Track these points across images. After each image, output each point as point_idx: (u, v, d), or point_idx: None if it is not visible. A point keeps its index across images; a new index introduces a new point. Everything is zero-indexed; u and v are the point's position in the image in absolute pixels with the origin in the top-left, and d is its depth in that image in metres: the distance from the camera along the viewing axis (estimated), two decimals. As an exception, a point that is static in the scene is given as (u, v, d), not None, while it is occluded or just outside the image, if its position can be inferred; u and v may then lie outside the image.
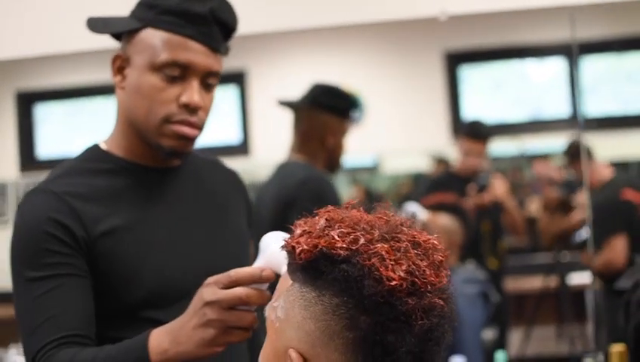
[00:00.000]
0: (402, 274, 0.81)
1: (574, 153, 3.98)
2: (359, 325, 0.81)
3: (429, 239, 0.86)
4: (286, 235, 0.93)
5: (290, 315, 0.86)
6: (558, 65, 5.80)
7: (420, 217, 3.15)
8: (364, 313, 0.81)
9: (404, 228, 0.86)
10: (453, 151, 5.07)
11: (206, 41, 1.37)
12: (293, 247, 0.85)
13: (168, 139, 1.38)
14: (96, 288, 1.34)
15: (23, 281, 1.31)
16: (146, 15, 1.37)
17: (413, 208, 3.25)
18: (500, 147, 5.35)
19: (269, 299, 0.92)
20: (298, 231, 0.87)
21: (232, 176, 1.60)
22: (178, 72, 1.35)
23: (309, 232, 0.85)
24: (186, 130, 1.38)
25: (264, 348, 0.91)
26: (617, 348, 2.05)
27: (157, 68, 1.35)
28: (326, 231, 0.84)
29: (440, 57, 5.66)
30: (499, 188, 4.26)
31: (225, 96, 5.81)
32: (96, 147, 1.45)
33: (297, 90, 2.76)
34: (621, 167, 5.09)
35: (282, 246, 0.88)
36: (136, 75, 1.37)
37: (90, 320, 1.31)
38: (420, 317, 0.81)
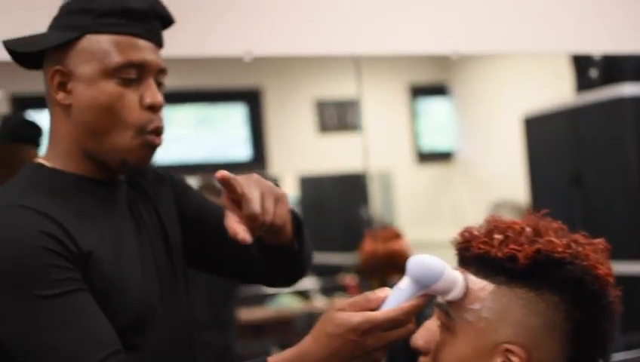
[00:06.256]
0: (608, 270, 0.99)
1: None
2: (575, 317, 0.97)
3: (595, 240, 1.02)
4: (432, 257, 0.99)
5: (506, 314, 0.98)
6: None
7: None
8: (579, 307, 0.97)
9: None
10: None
11: (152, 38, 1.29)
12: (511, 253, 0.96)
13: (137, 151, 1.26)
14: None
15: (35, 300, 1.12)
16: (82, 22, 1.25)
17: None
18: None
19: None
20: (496, 240, 0.98)
21: (163, 179, 1.44)
22: (135, 74, 1.25)
23: (515, 240, 0.97)
24: (158, 140, 1.28)
25: (452, 350, 1.00)
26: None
27: (111, 73, 1.23)
28: (543, 238, 0.98)
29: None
30: None
31: None
32: (40, 166, 1.28)
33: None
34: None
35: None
36: (85, 87, 1.24)
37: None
38: (618, 306, 0.99)
